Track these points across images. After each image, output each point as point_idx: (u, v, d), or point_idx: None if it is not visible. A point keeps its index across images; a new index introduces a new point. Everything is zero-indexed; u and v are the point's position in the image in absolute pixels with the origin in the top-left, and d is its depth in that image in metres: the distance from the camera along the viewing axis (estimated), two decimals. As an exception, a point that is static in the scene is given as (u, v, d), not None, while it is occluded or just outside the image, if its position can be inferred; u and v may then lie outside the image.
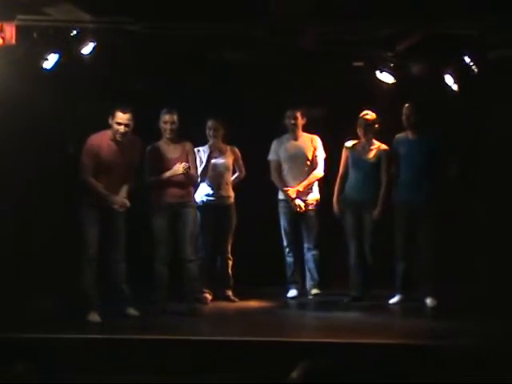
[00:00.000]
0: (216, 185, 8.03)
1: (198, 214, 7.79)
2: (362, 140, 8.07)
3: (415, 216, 7.82)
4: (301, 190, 8.10)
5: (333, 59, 8.12)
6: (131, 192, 7.20)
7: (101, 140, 7.08)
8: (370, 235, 7.98)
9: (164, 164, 7.40)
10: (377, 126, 8.01)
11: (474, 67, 7.63)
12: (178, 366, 6.01)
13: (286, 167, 8.20)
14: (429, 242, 7.80)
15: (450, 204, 8.17)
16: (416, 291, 7.91)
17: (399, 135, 8.01)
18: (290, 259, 8.25)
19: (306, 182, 8.13)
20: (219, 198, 8.05)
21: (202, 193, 8.00)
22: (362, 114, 8.01)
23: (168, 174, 7.32)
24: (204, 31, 7.37)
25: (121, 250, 7.15)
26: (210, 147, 8.00)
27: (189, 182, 7.46)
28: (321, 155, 8.18)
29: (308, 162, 8.16)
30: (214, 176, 8.01)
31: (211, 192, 8.03)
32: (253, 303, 8.01)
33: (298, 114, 8.11)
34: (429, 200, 7.80)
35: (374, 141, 8.07)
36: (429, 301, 7.78)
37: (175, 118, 7.39)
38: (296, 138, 8.19)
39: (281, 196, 8.21)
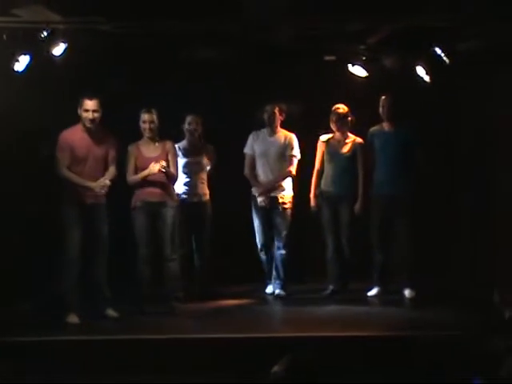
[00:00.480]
0: (192, 183, 8.03)
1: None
2: (337, 134, 8.10)
3: (392, 208, 7.87)
4: (269, 187, 8.09)
5: (305, 54, 8.14)
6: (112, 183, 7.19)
7: (73, 133, 7.09)
8: (347, 228, 8.01)
9: (143, 163, 7.40)
10: (350, 119, 8.05)
11: (445, 59, 7.66)
12: (158, 365, 6.04)
13: (259, 162, 8.17)
14: (405, 234, 7.85)
15: (426, 196, 8.25)
16: (394, 283, 7.97)
17: (374, 128, 8.05)
18: (263, 257, 8.24)
19: (273, 180, 8.12)
20: (194, 196, 8.04)
21: (178, 191, 7.99)
22: (334, 108, 8.04)
23: (144, 173, 7.33)
24: (177, 29, 7.35)
25: (103, 252, 7.14)
26: (187, 145, 8.01)
27: (168, 180, 7.46)
28: (295, 154, 8.15)
29: (281, 159, 8.13)
30: (189, 174, 8.01)
31: (187, 190, 8.02)
32: (231, 300, 8.01)
33: (276, 110, 8.08)
34: (405, 192, 7.84)
35: (349, 134, 8.11)
36: (407, 292, 7.84)
37: (154, 117, 7.39)
38: (272, 134, 8.18)
39: (254, 192, 8.19)
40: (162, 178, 7.40)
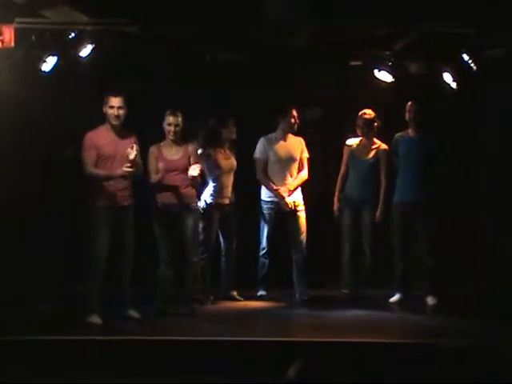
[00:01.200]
0: (223, 185, 8.06)
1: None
2: (363, 139, 8.13)
3: (414, 215, 7.87)
4: (291, 189, 8.12)
5: (331, 59, 8.16)
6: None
7: (98, 133, 7.11)
8: (369, 234, 8.04)
9: (163, 165, 7.36)
10: (376, 124, 8.07)
11: (472, 65, 7.65)
12: (176, 366, 6.07)
13: (275, 168, 8.16)
14: (428, 241, 7.85)
15: (449, 203, 8.25)
16: (416, 290, 7.97)
17: (399, 134, 8.05)
18: (264, 260, 8.24)
19: (296, 182, 8.16)
20: (225, 198, 8.07)
21: (208, 193, 8.03)
22: (360, 113, 8.07)
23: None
24: (201, 32, 7.42)
25: (130, 255, 7.19)
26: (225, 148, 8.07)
27: (191, 183, 7.49)
28: (306, 156, 8.22)
29: (296, 164, 8.20)
30: (220, 177, 8.05)
31: (218, 193, 8.03)
32: (254, 304, 8.05)
33: (295, 113, 8.09)
34: (428, 199, 7.84)
35: (375, 140, 8.13)
36: (429, 299, 7.84)
37: (179, 119, 7.42)
38: (285, 139, 8.20)
39: (264, 197, 8.20)
40: (184, 181, 7.44)
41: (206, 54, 7.98)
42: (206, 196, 8.00)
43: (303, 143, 8.23)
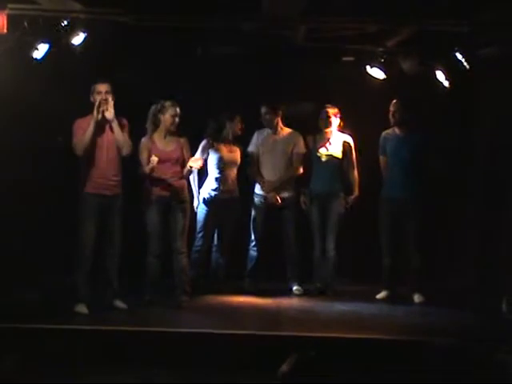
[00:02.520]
0: (225, 179, 8.12)
1: (205, 207, 8.00)
2: (325, 133, 8.19)
3: (401, 212, 7.92)
4: (277, 184, 8.18)
5: (323, 54, 8.20)
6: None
7: (87, 120, 7.07)
8: (334, 229, 8.12)
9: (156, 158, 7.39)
10: (336, 118, 8.17)
11: (465, 64, 7.70)
12: (164, 357, 6.09)
13: (263, 160, 8.26)
14: (416, 238, 7.90)
15: (436, 200, 8.31)
16: (403, 287, 8.02)
17: (386, 131, 8.11)
18: (254, 253, 8.32)
19: (283, 178, 8.22)
20: (227, 192, 8.15)
21: (210, 187, 8.10)
22: (324, 107, 8.17)
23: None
24: (195, 24, 7.44)
25: (117, 244, 7.20)
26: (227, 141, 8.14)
27: (185, 175, 7.53)
28: (301, 151, 8.26)
29: (286, 157, 8.24)
30: (222, 169, 8.11)
31: (220, 186, 8.10)
32: (243, 297, 8.07)
33: (272, 111, 8.17)
34: (415, 196, 7.90)
35: (337, 133, 8.23)
36: (416, 297, 7.90)
37: (178, 110, 7.45)
38: (276, 133, 8.27)
39: (256, 190, 8.30)
40: (175, 174, 7.45)
41: (199, 47, 7.98)
42: (207, 188, 8.05)
43: (298, 137, 8.28)
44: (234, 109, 8.14)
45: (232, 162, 8.13)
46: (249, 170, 8.30)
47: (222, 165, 8.07)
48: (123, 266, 7.28)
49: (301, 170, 8.27)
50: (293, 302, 8.02)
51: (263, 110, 8.20)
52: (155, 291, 7.46)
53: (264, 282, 8.37)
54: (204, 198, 8.06)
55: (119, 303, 7.24)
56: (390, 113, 7.95)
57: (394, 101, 7.95)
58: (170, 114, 7.45)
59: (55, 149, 7.97)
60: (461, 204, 8.68)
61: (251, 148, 8.31)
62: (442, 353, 6.09)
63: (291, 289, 8.28)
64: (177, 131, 7.51)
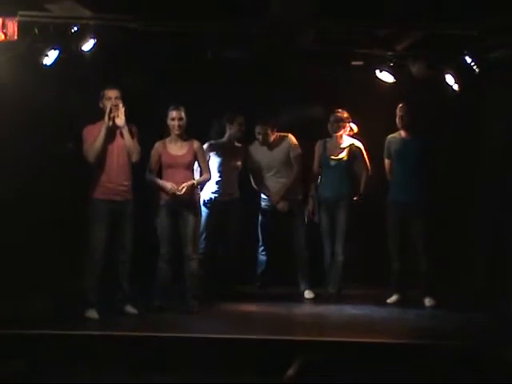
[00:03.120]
0: (224, 182, 8.15)
1: (206, 210, 7.98)
2: (334, 138, 8.20)
3: (407, 215, 7.94)
4: (281, 193, 8.24)
5: (332, 58, 8.22)
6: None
7: (97, 127, 7.11)
8: (343, 234, 8.11)
9: (169, 161, 7.47)
10: (347, 124, 8.17)
11: (474, 67, 7.71)
12: (175, 363, 6.10)
13: (264, 174, 8.33)
14: (423, 242, 7.90)
15: (448, 203, 8.32)
16: (414, 290, 8.03)
17: (391, 135, 8.13)
18: (263, 257, 8.39)
19: (286, 186, 8.26)
20: (226, 195, 8.17)
21: (210, 190, 8.12)
22: (333, 111, 8.17)
23: (166, 185, 7.34)
24: (204, 29, 7.48)
25: (128, 250, 7.23)
26: (228, 145, 8.18)
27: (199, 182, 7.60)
28: (296, 154, 8.29)
29: (285, 164, 8.29)
30: (223, 173, 8.13)
31: (219, 189, 8.11)
32: (253, 301, 8.09)
33: (269, 130, 8.22)
34: (421, 199, 7.91)
35: (347, 138, 8.23)
36: (427, 301, 7.91)
37: (183, 113, 7.46)
38: (271, 147, 8.30)
39: (263, 195, 8.37)
40: (186, 178, 7.47)
41: (209, 51, 8.00)
42: (207, 191, 8.08)
43: (291, 141, 8.30)
44: (236, 111, 8.14)
45: (233, 166, 8.16)
46: (253, 184, 8.40)
47: (223, 168, 8.10)
48: (134, 270, 7.31)
49: (299, 173, 8.29)
50: (304, 306, 8.05)
51: (258, 129, 8.24)
52: (165, 296, 7.48)
53: (275, 286, 8.40)
54: (204, 201, 8.06)
55: (130, 308, 7.26)
56: (397, 117, 7.97)
57: (401, 105, 7.98)
58: (170, 118, 7.48)
59: (65, 155, 7.99)
60: (472, 206, 8.67)
61: (250, 164, 8.34)
62: (452, 356, 6.10)
63: (302, 293, 8.30)
64: (185, 135, 7.53)
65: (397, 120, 7.98)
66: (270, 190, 8.30)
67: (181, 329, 6.77)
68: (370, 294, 8.24)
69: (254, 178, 8.39)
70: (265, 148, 8.30)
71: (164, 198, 7.48)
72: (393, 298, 8.07)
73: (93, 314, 7.03)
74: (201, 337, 6.53)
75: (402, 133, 8.04)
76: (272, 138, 8.27)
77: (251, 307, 7.88)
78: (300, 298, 8.24)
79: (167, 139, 7.57)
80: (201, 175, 7.66)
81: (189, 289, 7.49)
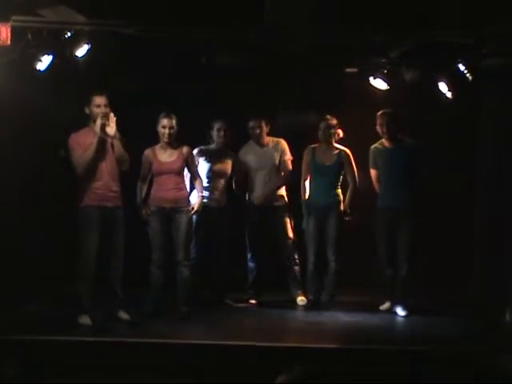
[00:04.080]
0: (212, 188, 8.17)
1: (194, 216, 7.93)
2: (323, 144, 8.22)
3: (396, 222, 7.93)
4: (267, 193, 8.27)
5: (326, 65, 8.27)
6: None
7: (83, 135, 7.15)
8: (334, 241, 8.11)
9: (159, 168, 7.52)
10: (335, 131, 8.14)
11: (468, 75, 7.77)
12: (167, 369, 6.16)
13: (253, 176, 8.35)
14: (407, 250, 7.89)
15: (440, 210, 8.38)
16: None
17: (374, 145, 8.08)
18: (252, 265, 8.37)
19: (273, 187, 8.30)
20: (214, 200, 8.18)
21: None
22: (323, 118, 8.16)
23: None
24: (198, 35, 7.51)
25: (120, 256, 7.26)
26: (215, 151, 8.20)
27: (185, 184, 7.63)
28: (287, 158, 8.33)
29: (275, 168, 8.33)
30: (211, 179, 8.18)
31: (207, 195, 8.11)
32: (246, 308, 8.15)
33: (263, 124, 8.26)
34: (409, 207, 7.89)
35: (336, 145, 8.21)
36: (399, 310, 7.89)
37: (174, 122, 7.50)
38: (262, 145, 8.36)
39: (250, 199, 8.38)
40: (177, 184, 7.54)
41: (203, 57, 8.04)
42: (195, 198, 8.09)
43: (283, 145, 8.35)
44: (219, 116, 8.16)
45: (221, 172, 8.20)
46: (236, 188, 8.41)
47: (210, 174, 8.14)
48: (126, 276, 7.34)
49: (288, 179, 8.34)
50: (296, 312, 8.08)
51: (252, 123, 8.28)
52: (158, 302, 7.52)
53: (267, 292, 8.43)
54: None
55: (123, 314, 7.29)
56: (378, 124, 7.92)
57: (380, 112, 7.93)
58: (161, 126, 7.52)
59: (57, 161, 8.01)
60: (465, 214, 8.73)
61: (238, 164, 8.34)
62: (446, 363, 6.16)
63: (294, 300, 8.33)
64: (175, 142, 7.56)
65: (377, 128, 7.94)
66: (256, 191, 8.33)
67: (172, 335, 6.79)
68: (363, 300, 8.25)
69: (238, 178, 8.37)
70: (257, 147, 8.34)
71: (155, 203, 7.53)
72: (385, 305, 8.09)
73: (85, 320, 7.06)
74: (193, 343, 6.56)
75: (385, 142, 8.01)
76: (265, 135, 8.31)
77: (243, 314, 7.91)
78: (292, 305, 8.25)
79: (156, 146, 7.61)
80: (191, 181, 7.74)
81: (181, 295, 7.52)
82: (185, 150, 7.63)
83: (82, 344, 6.45)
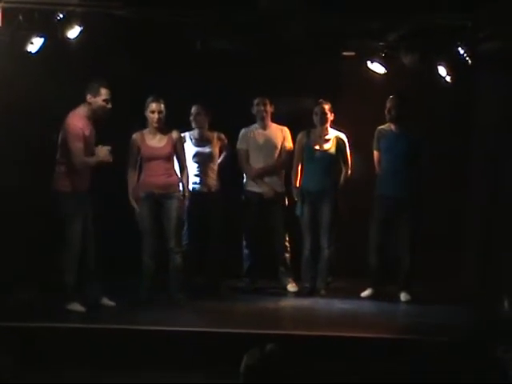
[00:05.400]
0: (201, 173, 8.21)
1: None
2: (318, 129, 8.20)
3: (395, 210, 7.98)
4: (261, 171, 8.28)
5: (323, 49, 8.28)
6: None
7: (83, 121, 7.19)
8: (328, 229, 8.13)
9: (148, 153, 7.50)
10: (329, 115, 8.13)
11: (467, 59, 7.77)
12: (161, 357, 6.24)
13: (254, 156, 8.35)
14: (409, 239, 7.97)
15: (436, 198, 8.41)
16: (390, 285, 8.11)
17: (381, 127, 8.15)
18: (247, 252, 8.38)
19: (269, 166, 8.30)
20: (204, 186, 8.21)
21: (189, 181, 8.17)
22: (318, 101, 8.14)
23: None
24: (192, 18, 7.50)
25: (96, 238, 7.29)
26: (197, 135, 8.20)
27: (174, 170, 7.61)
28: (289, 146, 8.34)
29: (276, 153, 8.34)
30: (199, 164, 8.19)
31: (197, 180, 8.19)
32: (241, 296, 8.17)
33: (267, 101, 8.27)
34: (409, 195, 7.95)
35: (330, 129, 8.20)
36: (402, 295, 7.98)
37: (162, 106, 7.47)
38: (265, 128, 8.36)
39: (247, 186, 8.39)
40: (166, 170, 7.52)
41: (198, 41, 8.03)
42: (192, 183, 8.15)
43: (287, 133, 8.37)
44: (205, 101, 8.16)
45: (204, 156, 8.17)
46: (240, 166, 8.39)
47: (195, 159, 8.15)
48: (121, 265, 7.41)
49: (287, 165, 8.34)
50: (290, 300, 8.13)
51: (257, 100, 8.27)
52: (151, 289, 7.54)
53: (263, 280, 8.45)
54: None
55: (106, 301, 7.34)
56: (386, 109, 7.99)
57: (391, 96, 8.00)
58: (150, 110, 7.48)
59: (49, 146, 8.01)
60: (461, 202, 8.76)
61: (241, 145, 8.37)
62: (441, 351, 6.21)
63: (285, 287, 8.35)
64: (164, 127, 7.54)
65: (386, 112, 8.01)
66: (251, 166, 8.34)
67: (167, 323, 6.84)
68: (358, 287, 8.28)
69: (241, 160, 8.37)
70: (259, 131, 8.34)
71: (144, 189, 7.49)
72: (366, 292, 8.11)
73: (76, 306, 7.10)
74: (188, 330, 6.63)
75: (392, 125, 8.07)
76: (269, 117, 8.31)
77: (238, 302, 7.93)
78: (286, 292, 8.29)
79: (145, 131, 7.58)
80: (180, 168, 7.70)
81: (173, 283, 7.52)
82: (174, 134, 7.61)
83: (72, 331, 6.51)
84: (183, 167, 7.68)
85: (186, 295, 7.57)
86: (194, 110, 8.15)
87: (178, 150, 7.61)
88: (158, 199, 7.51)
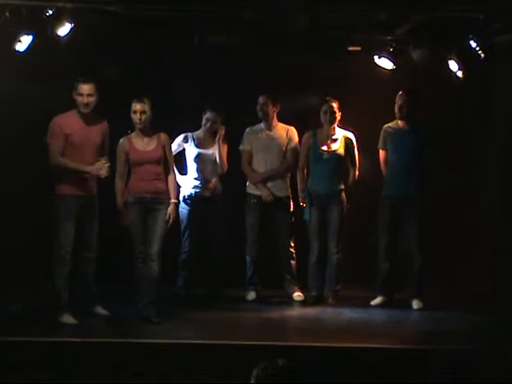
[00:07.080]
0: (203, 176, 8.11)
1: (186, 207, 7.96)
2: (325, 128, 8.11)
3: (403, 211, 7.90)
4: (265, 176, 8.17)
5: (328, 44, 8.19)
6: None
7: (67, 119, 7.13)
8: (337, 232, 8.05)
9: (136, 158, 7.30)
10: (337, 115, 8.05)
11: (480, 53, 7.68)
12: (160, 370, 6.18)
13: (258, 158, 8.26)
14: (418, 240, 7.88)
15: (451, 201, 8.30)
16: (400, 292, 8.02)
17: (388, 125, 8.07)
18: (250, 258, 8.28)
19: (273, 171, 8.20)
20: (206, 190, 8.12)
21: (190, 185, 8.09)
22: (326, 99, 8.06)
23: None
24: (189, 13, 7.40)
25: (94, 247, 7.22)
26: (199, 138, 8.12)
27: (164, 175, 7.43)
28: (294, 146, 8.24)
29: (281, 154, 8.24)
30: (201, 167, 8.10)
31: (198, 184, 8.11)
32: (243, 305, 8.11)
33: (270, 101, 8.15)
34: (418, 196, 7.88)
35: (338, 129, 8.12)
36: (414, 303, 7.89)
37: (146, 106, 7.21)
38: (270, 128, 8.26)
39: (249, 189, 8.29)
40: (157, 175, 7.34)
41: (196, 36, 7.96)
42: (188, 186, 8.11)
43: (293, 133, 8.27)
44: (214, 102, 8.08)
45: (208, 159, 8.10)
46: (242, 168, 8.29)
47: (198, 161, 8.08)
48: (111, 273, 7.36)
49: (293, 167, 8.25)
50: (296, 309, 8.04)
51: (261, 99, 8.15)
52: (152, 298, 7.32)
53: (267, 288, 8.35)
54: (184, 197, 8.06)
55: (100, 310, 7.26)
56: (396, 105, 7.91)
57: (401, 92, 7.91)
58: (132, 111, 7.26)
59: (38, 149, 7.89)
60: (475, 204, 8.66)
61: (243, 146, 8.29)
62: (455, 359, 6.10)
63: (291, 296, 8.25)
64: (150, 128, 7.34)
65: (395, 108, 7.92)
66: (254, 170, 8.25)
67: (167, 335, 6.76)
68: (368, 296, 8.15)
69: (244, 162, 8.27)
70: (263, 131, 8.25)
71: (132, 193, 7.30)
72: (377, 300, 8.02)
73: (68, 318, 6.98)
74: (186, 343, 6.54)
75: (400, 122, 7.98)
76: (274, 116, 8.21)
77: (241, 311, 7.85)
78: (291, 301, 8.20)
79: (132, 134, 7.36)
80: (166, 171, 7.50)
81: (144, 295, 7.20)
82: (163, 137, 7.39)
83: (66, 344, 6.41)
84: (170, 171, 7.47)
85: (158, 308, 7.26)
86: (209, 115, 8.09)
87: (166, 152, 7.42)
88: (148, 204, 7.32)
